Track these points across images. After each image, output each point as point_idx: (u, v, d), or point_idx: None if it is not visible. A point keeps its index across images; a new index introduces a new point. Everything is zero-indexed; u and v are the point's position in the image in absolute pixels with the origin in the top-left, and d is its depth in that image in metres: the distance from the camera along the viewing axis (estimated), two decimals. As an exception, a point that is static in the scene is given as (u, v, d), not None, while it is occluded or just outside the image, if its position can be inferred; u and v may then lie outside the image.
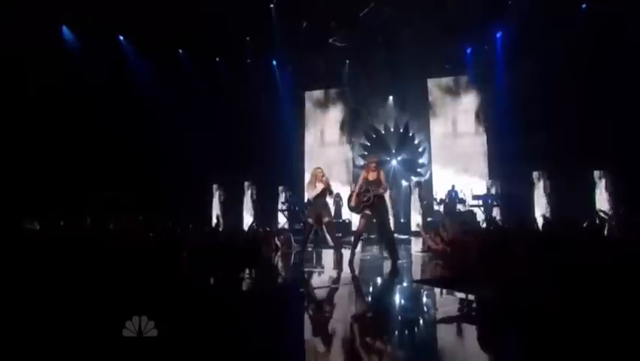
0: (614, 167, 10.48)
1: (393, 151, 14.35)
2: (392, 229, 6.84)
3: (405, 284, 5.13)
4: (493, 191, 11.88)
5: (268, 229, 9.22)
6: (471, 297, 4.11)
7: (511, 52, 12.08)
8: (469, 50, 13.05)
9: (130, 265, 5.47)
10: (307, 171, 14.06)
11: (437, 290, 4.62)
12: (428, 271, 6.07)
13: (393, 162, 14.18)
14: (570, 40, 10.77)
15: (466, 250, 6.16)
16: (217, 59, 13.52)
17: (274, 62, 14.08)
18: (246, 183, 13.71)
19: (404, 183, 13.62)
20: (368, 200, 6.35)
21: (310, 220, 6.76)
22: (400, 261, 6.32)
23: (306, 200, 12.04)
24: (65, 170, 10.87)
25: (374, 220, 6.81)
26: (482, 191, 12.06)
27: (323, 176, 6.62)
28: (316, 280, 5.58)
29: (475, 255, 5.34)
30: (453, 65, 13.18)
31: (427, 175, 13.79)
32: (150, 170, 12.00)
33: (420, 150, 14.20)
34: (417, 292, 4.70)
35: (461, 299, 4.11)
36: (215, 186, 13.79)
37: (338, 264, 6.33)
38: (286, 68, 13.99)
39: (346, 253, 6.62)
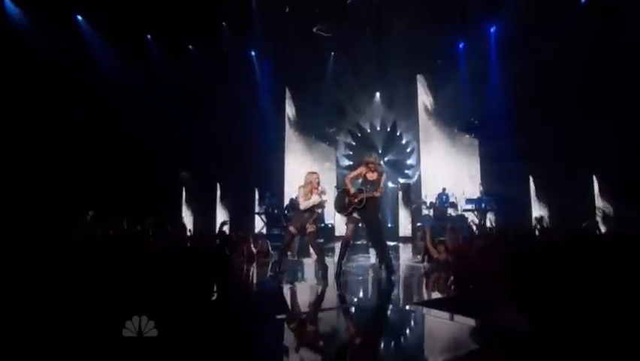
0: (615, 168, 9.87)
1: (380, 151, 13.44)
2: (384, 235, 5.87)
3: (407, 308, 4.16)
4: (485, 195, 11.09)
5: (241, 234, 8.11)
6: (495, 325, 3.21)
7: (506, 48, 11.41)
8: (461, 45, 12.31)
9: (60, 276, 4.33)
10: (287, 171, 13.08)
11: (448, 316, 3.68)
12: (433, 288, 5.12)
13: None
14: (568, 36, 10.12)
15: (477, 261, 5.25)
16: (190, 47, 12.36)
17: (253, 53, 13.02)
18: (220, 183, 12.56)
19: (391, 185, 12.73)
20: (360, 202, 5.48)
21: (292, 228, 5.79)
22: (395, 276, 5.34)
23: (288, 202, 11.06)
24: (12, 164, 9.53)
25: (360, 225, 5.92)
26: (474, 194, 11.29)
27: (319, 185, 5.74)
28: (297, 301, 4.57)
29: (492, 267, 4.44)
30: (444, 60, 12.40)
31: (416, 177, 12.96)
32: (112, 166, 10.75)
33: (408, 150, 13.38)
34: (423, 320, 3.74)
35: (482, 329, 3.19)
36: (185, 186, 12.59)
37: (323, 278, 5.35)
38: (266, 59, 12.95)
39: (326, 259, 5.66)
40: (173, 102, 11.89)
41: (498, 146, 10.96)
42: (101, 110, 10.60)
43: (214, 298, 4.53)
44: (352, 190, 5.60)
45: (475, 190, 11.42)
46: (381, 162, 5.90)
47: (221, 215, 12.26)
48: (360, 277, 5.84)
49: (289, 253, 6.90)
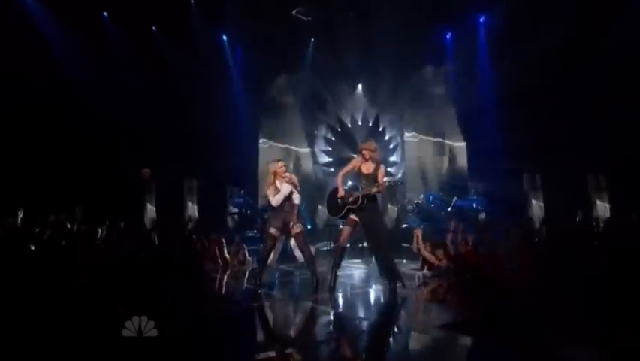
0: (613, 168, 9.45)
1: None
2: (387, 240, 4.96)
3: (426, 336, 3.23)
4: (476, 194, 10.44)
5: (215, 237, 7.03)
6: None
7: (497, 39, 10.82)
8: (449, 36, 11.64)
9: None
10: (262, 167, 11.98)
11: (485, 342, 2.79)
12: (450, 305, 4.24)
13: (361, 160, 12.43)
14: (564, 26, 9.60)
15: (499, 273, 4.44)
16: (153, 28, 11.09)
17: (225, 37, 11.87)
18: (187, 181, 11.34)
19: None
20: (355, 202, 4.61)
21: (273, 230, 4.81)
22: (404, 288, 4.44)
23: (261, 204, 10.11)
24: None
25: (356, 228, 5.00)
26: (464, 194, 10.63)
27: (286, 172, 4.90)
28: (281, 327, 3.57)
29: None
30: (432, 51, 11.67)
31: (400, 175, 12.17)
32: (66, 160, 9.43)
33: (391, 146, 12.56)
34: (453, 351, 2.83)
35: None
36: (147, 184, 11.26)
37: (314, 292, 4.40)
38: (239, 44, 11.83)
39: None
40: (133, 91, 10.57)
41: (489, 143, 10.33)
42: (51, 100, 9.24)
43: (169, 326, 3.43)
44: (342, 189, 4.72)
45: (464, 189, 10.75)
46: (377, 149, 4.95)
47: (188, 216, 11.05)
48: (359, 291, 4.91)
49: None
